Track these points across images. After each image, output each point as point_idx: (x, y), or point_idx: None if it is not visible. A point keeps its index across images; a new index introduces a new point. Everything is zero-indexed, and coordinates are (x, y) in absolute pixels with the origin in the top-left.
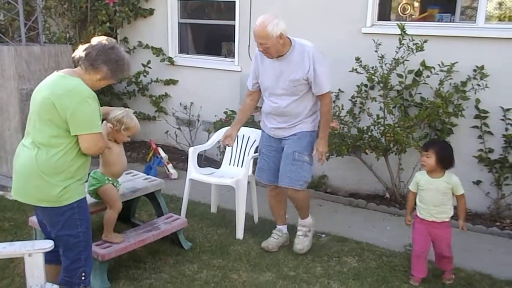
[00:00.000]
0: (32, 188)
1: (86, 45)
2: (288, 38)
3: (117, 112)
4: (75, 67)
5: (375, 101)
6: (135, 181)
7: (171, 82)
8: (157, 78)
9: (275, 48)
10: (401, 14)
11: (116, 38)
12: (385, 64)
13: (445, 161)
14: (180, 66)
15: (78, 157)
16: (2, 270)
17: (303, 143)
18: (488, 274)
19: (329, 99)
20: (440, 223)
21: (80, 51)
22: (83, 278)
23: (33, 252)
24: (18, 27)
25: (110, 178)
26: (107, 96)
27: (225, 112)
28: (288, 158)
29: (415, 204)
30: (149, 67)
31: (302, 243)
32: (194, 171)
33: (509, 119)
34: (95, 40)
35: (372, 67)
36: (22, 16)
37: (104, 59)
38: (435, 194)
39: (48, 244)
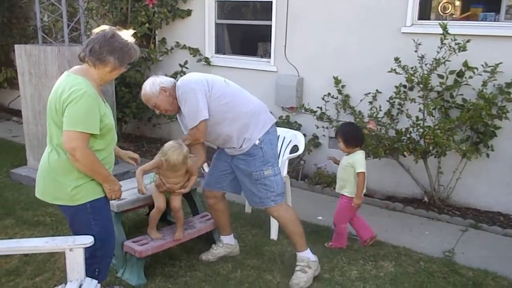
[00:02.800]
0: (47, 186)
1: (87, 40)
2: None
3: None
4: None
5: (414, 102)
6: None
7: None
8: None
9: (167, 106)
10: (441, 13)
11: (154, 39)
12: (425, 64)
13: (350, 140)
14: (216, 66)
15: None
16: (43, 264)
17: (256, 162)
18: None
19: (199, 129)
20: (341, 196)
21: (83, 48)
22: (96, 273)
23: (74, 247)
24: (61, 28)
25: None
26: None
27: None
28: (249, 178)
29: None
30: (186, 67)
31: (298, 278)
32: None
33: None
34: (94, 33)
35: (412, 68)
36: (66, 17)
37: (108, 50)
38: (340, 168)
39: (89, 240)
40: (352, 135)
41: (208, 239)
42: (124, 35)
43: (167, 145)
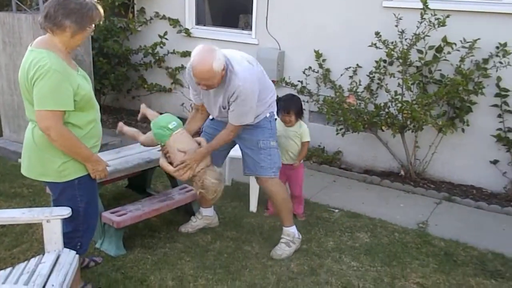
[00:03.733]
0: (34, 162)
1: (44, 5)
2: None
3: (211, 173)
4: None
5: (394, 77)
6: (150, 151)
7: (187, 54)
8: (173, 50)
9: (218, 83)
10: None
11: (133, 8)
12: (405, 39)
13: (300, 113)
14: (197, 38)
15: (73, 132)
16: (21, 235)
17: (265, 132)
18: (500, 253)
19: (233, 130)
20: (293, 166)
21: (40, 14)
22: (78, 247)
23: (51, 218)
24: None
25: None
26: (123, 66)
27: None
28: (254, 147)
29: None
30: (166, 39)
31: (282, 249)
32: None
33: None
34: None
35: (392, 42)
36: None
37: (63, 13)
38: (287, 140)
39: (66, 211)
40: (301, 108)
41: (187, 211)
42: None
43: (210, 182)
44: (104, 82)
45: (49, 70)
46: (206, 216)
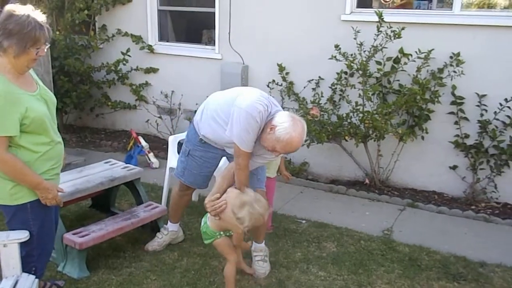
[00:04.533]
0: None
1: None
2: None
3: (248, 208)
4: None
5: (354, 88)
6: (113, 170)
7: (151, 70)
8: (137, 67)
9: None
10: (382, 1)
11: (94, 25)
12: (364, 51)
13: None
14: (160, 54)
15: (24, 156)
16: None
17: None
18: (462, 256)
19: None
20: (271, 178)
21: None
22: (33, 272)
23: (8, 242)
24: None
25: (222, 232)
26: (86, 84)
27: None
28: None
29: None
30: (129, 55)
31: (263, 268)
32: (174, 160)
33: (484, 105)
34: None
35: (351, 55)
36: None
37: (4, 34)
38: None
39: (23, 235)
40: None
41: (153, 229)
42: (25, 13)
43: (258, 213)
44: (66, 101)
45: None
46: (172, 231)
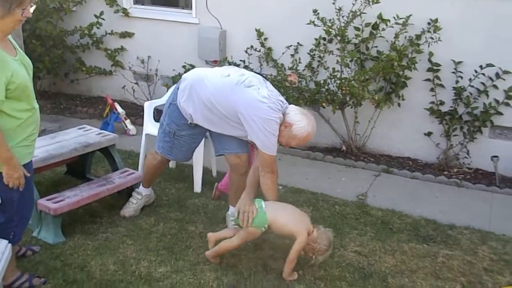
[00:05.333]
0: None
1: None
2: None
3: (321, 234)
4: None
5: (333, 54)
6: (87, 136)
7: (126, 34)
8: (112, 31)
9: None
10: None
11: None
12: (343, 16)
13: None
14: (135, 18)
15: (5, 122)
16: None
17: None
18: (432, 219)
19: None
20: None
21: None
22: (11, 237)
23: None
24: None
25: (266, 226)
26: (59, 49)
27: (184, 66)
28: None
29: None
30: (103, 19)
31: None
32: (150, 126)
33: (460, 72)
34: None
35: (330, 20)
36: None
37: None
38: None
39: None
40: None
41: (129, 195)
42: None
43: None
44: (39, 66)
45: None
46: (146, 195)
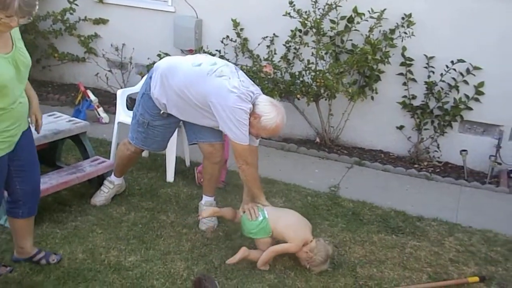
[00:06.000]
0: None
1: None
2: None
3: (320, 246)
4: None
5: (308, 46)
6: (57, 123)
7: (100, 21)
8: (85, 17)
9: None
10: None
11: None
12: (318, 9)
13: None
14: (110, 4)
15: None
16: None
17: None
18: (402, 211)
19: None
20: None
21: None
22: None
23: None
24: None
25: (271, 233)
26: (31, 34)
27: (159, 55)
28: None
29: None
30: (76, 4)
31: (213, 222)
32: (123, 114)
33: (432, 67)
34: None
35: (306, 12)
36: None
37: None
38: None
39: None
40: None
41: (100, 183)
42: None
43: (319, 260)
44: None
45: None
46: (118, 184)
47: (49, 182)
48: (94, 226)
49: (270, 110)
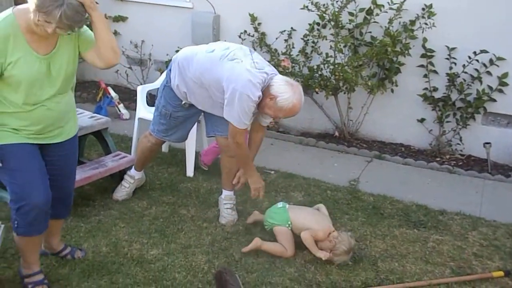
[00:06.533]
0: None
1: None
2: None
3: (343, 236)
4: None
5: (326, 39)
6: (80, 119)
7: (120, 19)
8: (105, 15)
9: None
10: None
11: None
12: (337, 1)
13: None
14: (129, 2)
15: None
16: None
17: None
18: (424, 205)
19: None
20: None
21: None
22: (15, 225)
23: None
24: None
25: (290, 223)
26: None
27: (177, 51)
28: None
29: None
30: (96, 2)
31: (233, 216)
32: (143, 110)
33: (454, 58)
34: None
35: (324, 5)
36: None
37: None
38: None
39: None
40: None
41: (122, 178)
42: None
43: (349, 244)
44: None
45: None
46: (138, 178)
47: None
48: (116, 220)
49: (286, 90)
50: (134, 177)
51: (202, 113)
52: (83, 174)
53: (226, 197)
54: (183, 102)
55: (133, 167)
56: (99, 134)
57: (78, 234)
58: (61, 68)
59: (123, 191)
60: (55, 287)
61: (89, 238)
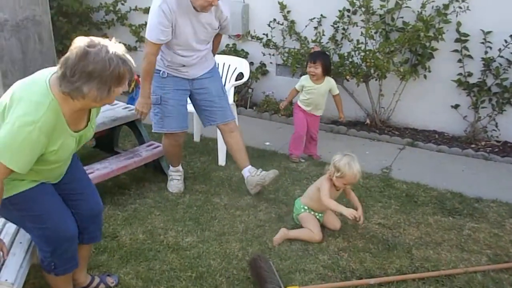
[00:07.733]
0: None
1: (61, 60)
2: None
3: (342, 158)
4: None
5: (357, 26)
6: (115, 110)
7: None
8: (136, 6)
9: None
10: None
11: None
12: None
13: (328, 69)
14: None
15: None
16: None
17: (220, 79)
18: (458, 192)
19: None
20: (316, 116)
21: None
22: (52, 268)
23: None
24: None
25: (306, 207)
26: (85, 26)
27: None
28: (221, 93)
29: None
30: None
31: (263, 174)
32: None
33: (489, 42)
34: (70, 49)
35: None
36: None
37: (82, 78)
38: (317, 96)
39: None
40: (329, 63)
41: (156, 167)
42: (103, 47)
43: (343, 163)
44: (66, 43)
45: (32, 123)
46: (182, 170)
47: (110, 167)
48: (152, 208)
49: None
50: (179, 169)
51: (194, 108)
52: (119, 164)
53: (251, 170)
54: (160, 72)
55: (169, 166)
56: (132, 125)
57: (115, 222)
58: (88, 137)
59: (178, 185)
60: (95, 272)
61: (126, 225)
